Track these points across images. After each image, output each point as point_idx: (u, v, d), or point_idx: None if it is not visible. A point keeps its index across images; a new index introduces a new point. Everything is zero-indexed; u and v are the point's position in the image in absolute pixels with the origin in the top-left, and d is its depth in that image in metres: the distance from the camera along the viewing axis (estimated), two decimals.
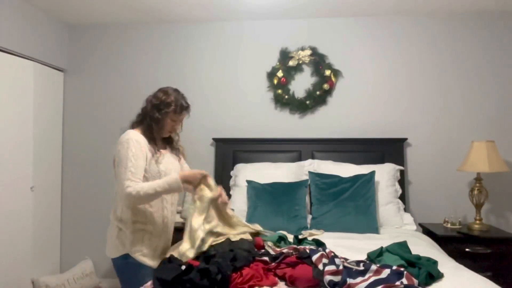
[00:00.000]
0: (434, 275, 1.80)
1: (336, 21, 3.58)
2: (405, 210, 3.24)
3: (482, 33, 3.43)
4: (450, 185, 3.41)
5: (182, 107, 2.13)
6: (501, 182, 3.33)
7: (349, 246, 2.36)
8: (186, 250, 1.92)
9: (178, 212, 3.29)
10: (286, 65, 3.58)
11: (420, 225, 3.31)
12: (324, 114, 3.57)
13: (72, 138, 3.83)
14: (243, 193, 3.16)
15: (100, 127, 3.76)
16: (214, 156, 3.63)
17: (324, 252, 1.89)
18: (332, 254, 1.88)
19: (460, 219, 3.22)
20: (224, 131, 3.67)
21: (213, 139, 3.63)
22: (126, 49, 3.80)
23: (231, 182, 3.36)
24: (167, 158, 2.15)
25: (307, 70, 3.59)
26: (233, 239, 2.06)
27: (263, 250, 2.05)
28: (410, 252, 2.04)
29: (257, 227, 2.33)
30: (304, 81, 3.58)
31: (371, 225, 2.83)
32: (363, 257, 2.05)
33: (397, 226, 2.98)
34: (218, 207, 2.12)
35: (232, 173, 3.43)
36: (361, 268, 1.78)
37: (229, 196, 3.33)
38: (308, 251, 1.93)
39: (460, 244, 2.91)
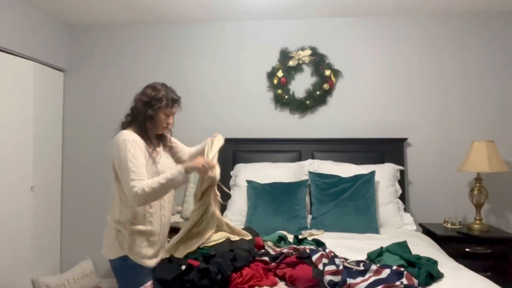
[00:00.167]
0: (434, 275, 1.80)
1: (336, 21, 3.58)
2: (405, 210, 3.24)
3: (482, 33, 3.43)
4: (450, 185, 3.41)
5: (174, 100, 2.08)
6: (501, 182, 3.33)
7: (349, 246, 2.36)
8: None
9: (178, 212, 3.29)
10: (286, 65, 3.57)
11: (420, 225, 3.31)
12: (324, 114, 3.57)
13: (72, 138, 3.83)
14: (243, 193, 3.16)
15: (100, 127, 3.76)
16: None
17: (324, 252, 1.89)
18: (332, 254, 1.88)
19: (460, 219, 3.22)
20: (224, 131, 3.63)
21: None
22: (126, 49, 3.80)
23: (231, 182, 3.36)
24: (164, 157, 2.15)
25: (307, 70, 3.59)
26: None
27: (263, 250, 2.06)
28: (410, 252, 2.04)
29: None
30: (304, 81, 3.58)
31: (371, 225, 2.83)
32: (363, 257, 2.05)
33: (397, 226, 2.97)
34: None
35: (232, 173, 3.43)
36: (361, 268, 1.78)
37: (229, 196, 3.33)
38: (308, 251, 1.93)
39: (460, 244, 2.91)
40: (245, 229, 2.30)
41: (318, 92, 3.52)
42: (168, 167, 2.09)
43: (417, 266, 1.86)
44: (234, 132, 3.64)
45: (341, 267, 1.75)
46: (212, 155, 2.10)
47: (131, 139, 1.96)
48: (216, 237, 2.06)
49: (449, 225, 3.17)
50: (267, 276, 1.79)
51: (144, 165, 1.96)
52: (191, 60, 3.73)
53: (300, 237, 2.37)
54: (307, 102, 3.54)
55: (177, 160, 2.29)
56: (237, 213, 3.12)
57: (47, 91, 3.59)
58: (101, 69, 3.82)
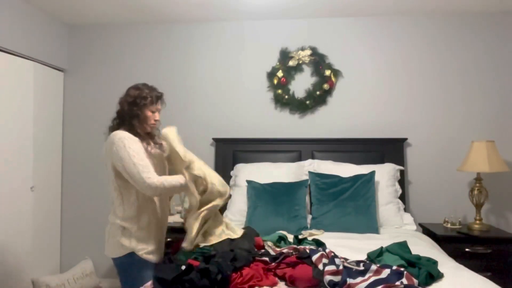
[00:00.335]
0: (434, 275, 1.80)
1: (336, 21, 3.58)
2: (405, 210, 3.24)
3: (482, 33, 3.43)
4: (450, 185, 3.41)
5: (158, 97, 2.18)
6: (501, 182, 3.33)
7: (349, 246, 2.36)
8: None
9: (178, 212, 3.30)
10: (286, 65, 3.58)
11: (420, 225, 3.31)
12: (324, 114, 3.57)
13: (72, 138, 3.83)
14: (243, 193, 3.16)
15: (100, 127, 3.71)
16: (214, 156, 3.63)
17: (324, 252, 1.89)
18: (332, 254, 1.88)
19: (460, 219, 3.22)
20: (224, 131, 3.67)
21: (213, 139, 3.63)
22: (126, 49, 3.80)
23: (231, 182, 3.36)
24: (156, 154, 2.20)
25: (307, 70, 3.59)
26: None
27: (263, 250, 2.06)
28: (410, 252, 2.04)
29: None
30: (304, 81, 3.58)
31: (371, 225, 2.83)
32: (363, 257, 2.05)
33: (397, 226, 2.97)
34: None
35: (232, 173, 3.43)
36: (361, 268, 1.78)
37: (229, 196, 3.33)
38: (308, 251, 1.93)
39: (460, 244, 2.91)
40: (245, 229, 2.31)
41: (318, 92, 3.52)
42: (159, 163, 2.17)
43: (417, 266, 1.86)
44: (234, 132, 3.64)
45: (341, 267, 1.75)
46: (182, 148, 2.15)
47: (127, 136, 2.03)
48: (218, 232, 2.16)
49: (449, 225, 3.17)
50: (267, 276, 1.80)
51: (146, 158, 2.03)
52: (191, 60, 3.73)
53: (300, 237, 2.37)
54: (307, 102, 3.54)
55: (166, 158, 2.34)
56: (237, 213, 3.12)
57: (47, 91, 3.59)
58: (101, 69, 3.82)
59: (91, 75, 3.84)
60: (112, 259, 2.11)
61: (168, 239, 2.50)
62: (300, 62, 3.57)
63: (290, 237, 2.42)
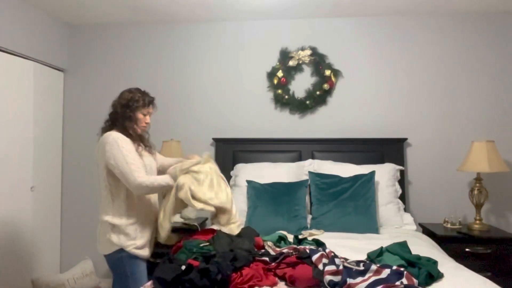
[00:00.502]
0: (434, 275, 1.80)
1: (336, 21, 3.58)
2: (405, 210, 3.25)
3: (481, 33, 3.43)
4: (450, 185, 3.41)
5: (150, 101, 2.27)
6: (501, 182, 3.33)
7: (349, 246, 2.36)
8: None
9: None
10: (286, 65, 3.57)
11: (420, 225, 3.31)
12: (324, 114, 3.57)
13: (72, 138, 3.83)
14: (243, 193, 3.16)
15: (100, 127, 3.75)
16: (214, 156, 3.63)
17: (324, 252, 1.89)
18: (332, 254, 1.88)
19: (460, 219, 3.22)
20: (224, 131, 3.67)
21: (213, 139, 3.63)
22: (126, 49, 3.80)
23: (231, 182, 3.36)
24: (146, 155, 2.29)
25: (307, 70, 3.59)
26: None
27: (263, 250, 2.06)
28: (410, 252, 2.04)
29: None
30: (304, 81, 3.58)
31: (371, 225, 2.83)
32: (363, 257, 2.05)
33: (397, 226, 2.97)
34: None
35: (232, 173, 3.43)
36: (361, 268, 1.78)
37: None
38: (308, 251, 1.93)
39: (460, 244, 2.90)
40: (245, 229, 2.31)
41: (318, 92, 3.52)
42: (149, 164, 2.26)
43: (417, 266, 1.86)
44: (234, 132, 3.64)
45: (341, 267, 1.75)
46: (184, 167, 2.19)
47: (120, 137, 2.13)
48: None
49: (449, 225, 3.17)
50: (267, 276, 1.80)
51: (138, 158, 2.14)
52: (191, 60, 3.72)
53: (300, 237, 2.37)
54: (307, 102, 3.54)
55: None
56: (237, 213, 3.12)
57: (47, 91, 3.59)
58: (101, 69, 3.82)
59: (91, 75, 3.84)
60: (104, 256, 2.20)
61: None
62: (300, 62, 3.57)
63: (290, 237, 2.42)
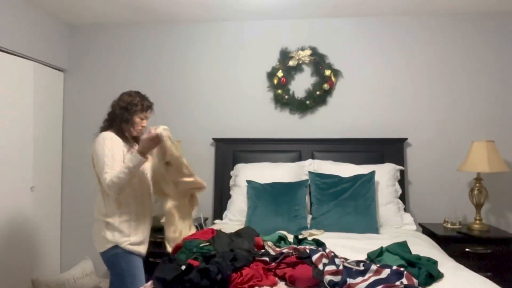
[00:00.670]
0: (434, 275, 1.80)
1: (336, 21, 3.58)
2: (405, 210, 3.25)
3: (482, 33, 3.43)
4: (450, 185, 3.41)
5: (148, 106, 2.32)
6: (501, 182, 3.33)
7: (349, 246, 2.36)
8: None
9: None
10: (286, 65, 3.57)
11: (420, 225, 3.31)
12: (324, 114, 3.57)
13: (72, 138, 3.83)
14: (243, 193, 3.16)
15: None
16: (214, 156, 3.63)
17: (324, 252, 1.89)
18: (332, 254, 1.88)
19: (460, 219, 3.23)
20: (224, 131, 3.67)
21: (213, 139, 3.63)
22: (126, 49, 3.80)
23: (231, 182, 3.36)
24: None
25: (307, 70, 3.59)
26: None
27: (263, 250, 2.06)
28: (410, 252, 2.04)
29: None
30: (304, 81, 3.58)
31: (371, 225, 2.83)
32: (363, 257, 2.05)
33: (397, 226, 2.98)
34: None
35: (232, 173, 3.43)
36: (361, 268, 1.78)
37: (229, 196, 3.34)
38: (308, 251, 1.93)
39: (460, 244, 2.90)
40: (245, 229, 2.31)
41: (318, 92, 3.52)
42: (144, 166, 2.26)
43: (417, 266, 1.86)
44: (234, 132, 3.64)
45: (341, 267, 1.75)
46: (174, 146, 2.21)
47: (109, 137, 2.19)
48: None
49: (449, 225, 3.17)
50: (267, 276, 1.79)
51: (119, 160, 2.16)
52: (191, 60, 3.73)
53: (300, 237, 2.37)
54: (307, 102, 3.54)
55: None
56: (237, 213, 3.12)
57: (47, 91, 3.59)
58: (101, 69, 3.82)
59: (91, 75, 3.84)
60: (100, 255, 2.24)
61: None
62: (300, 62, 3.57)
63: (290, 237, 2.42)
